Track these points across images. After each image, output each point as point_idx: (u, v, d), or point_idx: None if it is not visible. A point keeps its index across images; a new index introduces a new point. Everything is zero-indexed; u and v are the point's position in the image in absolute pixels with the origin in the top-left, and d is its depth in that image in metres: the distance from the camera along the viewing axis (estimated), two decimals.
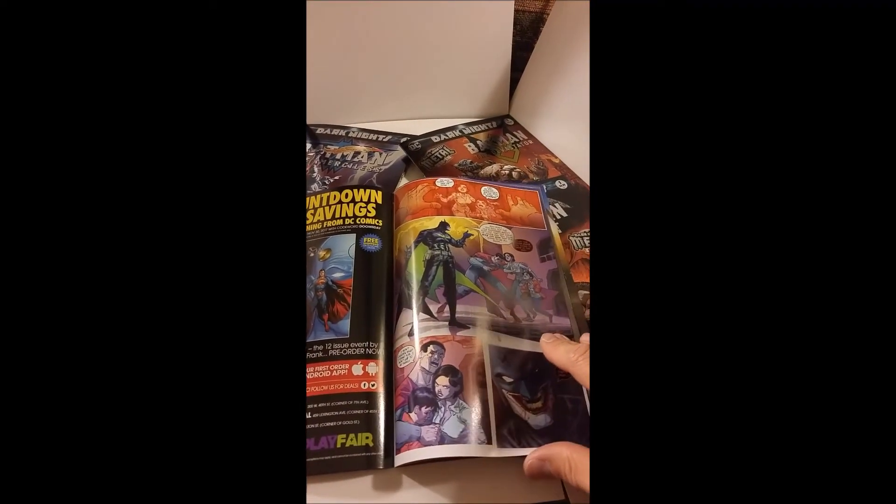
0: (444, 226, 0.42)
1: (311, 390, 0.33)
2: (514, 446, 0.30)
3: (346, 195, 0.44)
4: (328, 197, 0.44)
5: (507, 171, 0.53)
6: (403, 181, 0.53)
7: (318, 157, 0.56)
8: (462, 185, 0.46)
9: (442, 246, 0.40)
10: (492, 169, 0.53)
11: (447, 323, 0.36)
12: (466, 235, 0.41)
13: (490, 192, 0.46)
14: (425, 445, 0.30)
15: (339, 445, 0.31)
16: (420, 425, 0.31)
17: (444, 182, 0.45)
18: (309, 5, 0.55)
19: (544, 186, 0.49)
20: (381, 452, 0.31)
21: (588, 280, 0.41)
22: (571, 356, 0.28)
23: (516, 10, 0.56)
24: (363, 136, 0.59)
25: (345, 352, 0.35)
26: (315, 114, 0.63)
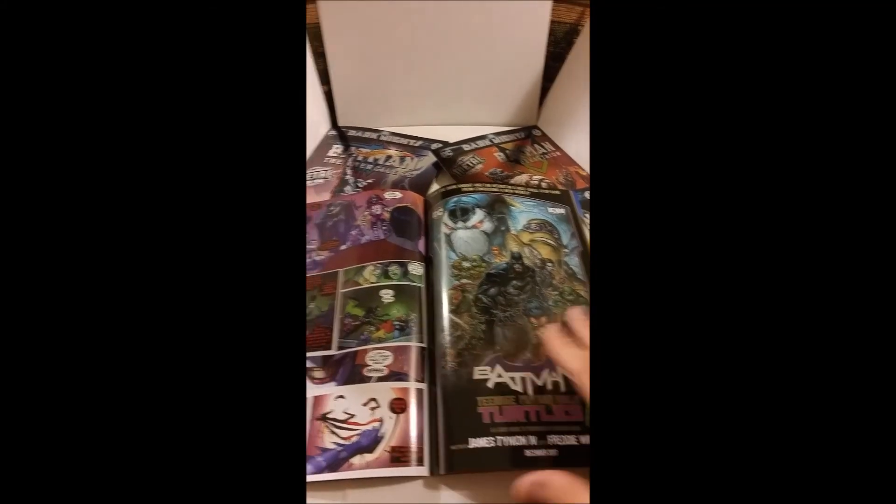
0: None
1: None
2: None
3: None
4: None
5: (536, 181, 0.53)
6: (434, 186, 0.54)
7: (351, 159, 0.56)
8: None
9: None
10: (521, 179, 0.53)
11: None
12: None
13: None
14: None
15: None
16: None
17: None
18: (342, 7, 0.56)
19: (577, 195, 0.50)
20: None
21: None
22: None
23: (552, 21, 0.57)
24: (394, 141, 0.60)
25: None
26: (346, 116, 0.64)
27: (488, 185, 0.48)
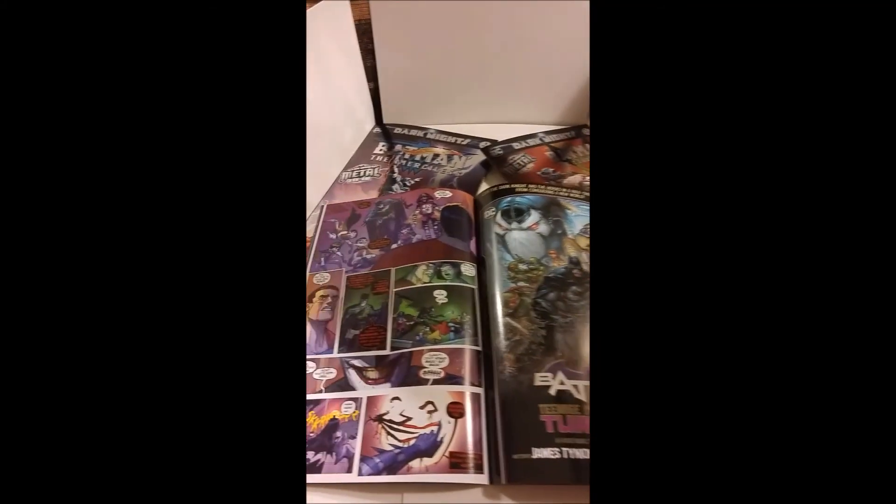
0: None
1: None
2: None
3: None
4: None
5: (589, 182, 0.51)
6: (483, 185, 0.53)
7: (398, 157, 0.56)
8: None
9: None
10: (574, 179, 0.52)
11: None
12: None
13: None
14: None
15: None
16: None
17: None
18: (394, 5, 0.56)
19: None
20: None
21: None
22: None
23: None
24: (441, 139, 0.59)
25: None
26: (392, 113, 0.63)
27: (542, 186, 0.47)
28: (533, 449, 0.31)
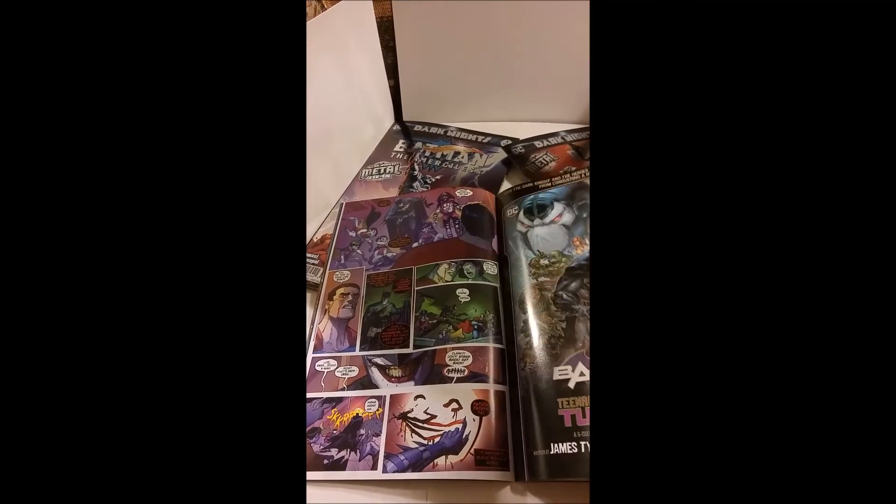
0: None
1: None
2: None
3: None
4: None
5: None
6: (505, 183, 0.52)
7: (418, 154, 0.56)
8: None
9: None
10: None
11: None
12: None
13: None
14: None
15: None
16: None
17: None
18: (413, 3, 0.56)
19: None
20: None
21: None
22: None
23: None
24: (462, 136, 0.59)
25: None
26: (412, 111, 0.63)
27: (567, 176, 0.46)
28: (551, 444, 0.30)
